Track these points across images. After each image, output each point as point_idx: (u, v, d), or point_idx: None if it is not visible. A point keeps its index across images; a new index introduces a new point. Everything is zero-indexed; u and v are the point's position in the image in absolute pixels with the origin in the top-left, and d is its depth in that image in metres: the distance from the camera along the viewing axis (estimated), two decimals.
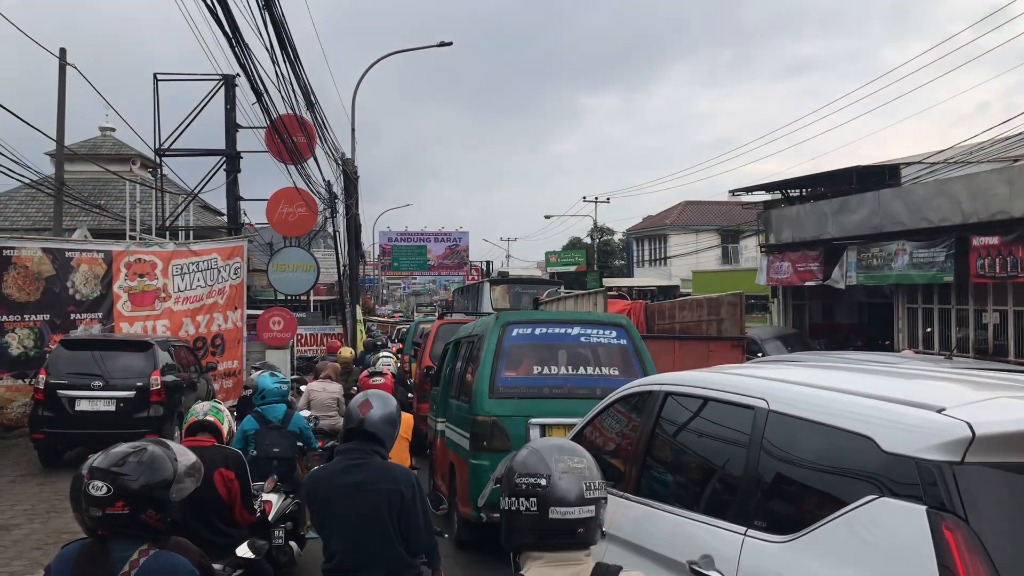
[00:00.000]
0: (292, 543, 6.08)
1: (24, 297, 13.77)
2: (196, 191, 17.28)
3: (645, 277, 40.07)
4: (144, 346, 11.53)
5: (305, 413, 8.07)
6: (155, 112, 16.60)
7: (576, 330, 7.25)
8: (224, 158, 17.06)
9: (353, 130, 22.55)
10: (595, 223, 46.87)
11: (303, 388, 10.14)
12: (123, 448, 2.63)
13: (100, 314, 14.35)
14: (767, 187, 25.94)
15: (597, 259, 47.41)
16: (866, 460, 2.38)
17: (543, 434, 6.45)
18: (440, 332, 13.01)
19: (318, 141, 16.46)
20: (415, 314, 55.54)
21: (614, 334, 7.25)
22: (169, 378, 11.35)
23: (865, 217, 19.20)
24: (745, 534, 2.75)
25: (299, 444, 6.59)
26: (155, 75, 16.93)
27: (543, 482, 1.95)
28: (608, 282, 28.26)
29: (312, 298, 29.91)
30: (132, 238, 16.64)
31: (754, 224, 28.64)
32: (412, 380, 13.10)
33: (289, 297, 22.68)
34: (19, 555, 7.20)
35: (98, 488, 2.48)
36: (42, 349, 13.37)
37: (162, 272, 15.08)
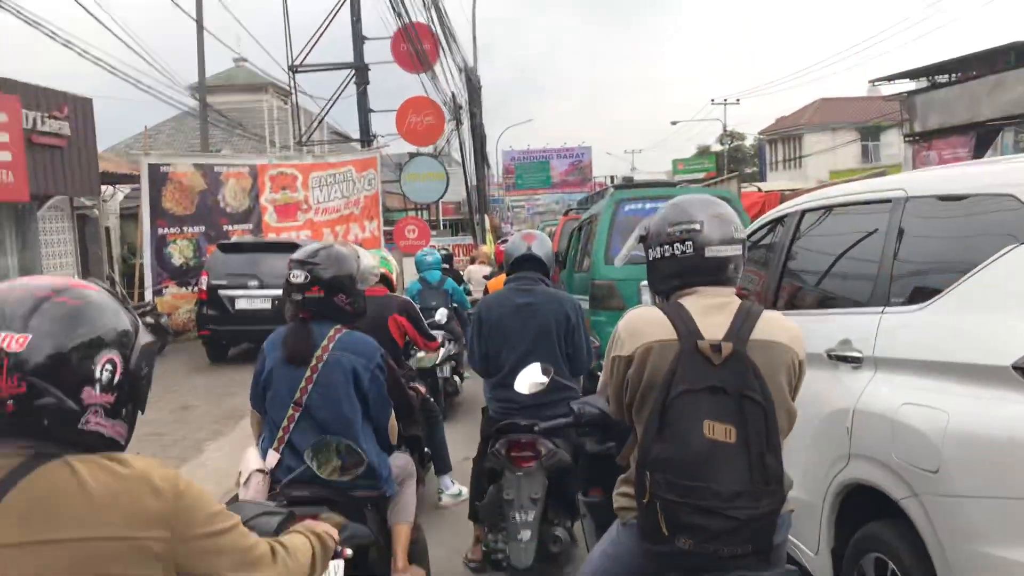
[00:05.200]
0: (455, 376, 7.75)
1: (181, 210, 14.85)
2: (332, 101, 17.86)
3: (779, 181, 38.36)
4: (292, 248, 12.12)
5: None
6: (286, 27, 17.15)
7: None
8: (353, 71, 17.50)
9: (475, 37, 22.56)
10: (724, 127, 45.16)
11: (462, 272, 12.28)
12: (315, 245, 3.16)
13: (251, 225, 15.30)
14: (911, 74, 24.04)
15: (727, 165, 45.87)
16: (1005, 218, 2.36)
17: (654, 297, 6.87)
18: (566, 226, 13.51)
19: (443, 48, 16.62)
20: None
21: None
22: None
23: None
24: (882, 312, 2.77)
25: (454, 305, 8.02)
26: None
27: (697, 226, 2.10)
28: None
29: (441, 217, 30.61)
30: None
31: (896, 116, 26.85)
32: None
33: (419, 212, 23.34)
34: (200, 428, 8.05)
35: (297, 276, 3.00)
36: (200, 259, 14.42)
37: (302, 185, 15.83)
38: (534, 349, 3.71)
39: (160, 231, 14.71)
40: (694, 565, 1.93)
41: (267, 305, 11.59)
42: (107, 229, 17.00)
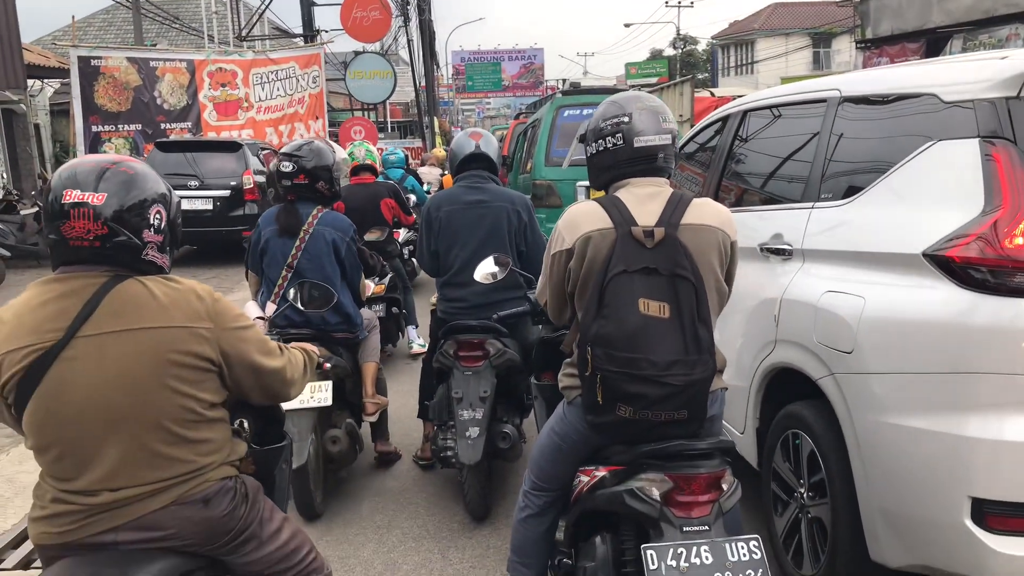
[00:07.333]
0: (412, 259, 8.13)
1: (115, 107, 14.28)
2: None
3: (730, 87, 38.35)
4: (234, 147, 11.90)
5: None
6: None
7: None
8: None
9: None
10: (678, 30, 44.59)
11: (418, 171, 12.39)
12: (298, 140, 3.92)
13: (189, 123, 14.81)
14: None
15: (680, 70, 45.50)
16: (928, 116, 2.44)
17: (588, 194, 6.91)
18: (516, 130, 13.40)
19: None
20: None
21: None
22: (261, 178, 11.75)
23: (976, 1, 17.69)
24: (812, 208, 2.86)
25: (413, 198, 8.36)
26: None
27: (626, 119, 2.18)
28: None
29: (388, 119, 29.87)
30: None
31: (848, 23, 26.80)
32: None
33: (366, 112, 22.79)
34: None
35: (286, 166, 3.78)
36: (138, 158, 13.96)
37: (243, 81, 15.28)
38: (484, 247, 3.60)
39: (94, 128, 14.16)
40: (635, 434, 2.04)
41: (209, 206, 11.34)
42: (36, 126, 16.28)
